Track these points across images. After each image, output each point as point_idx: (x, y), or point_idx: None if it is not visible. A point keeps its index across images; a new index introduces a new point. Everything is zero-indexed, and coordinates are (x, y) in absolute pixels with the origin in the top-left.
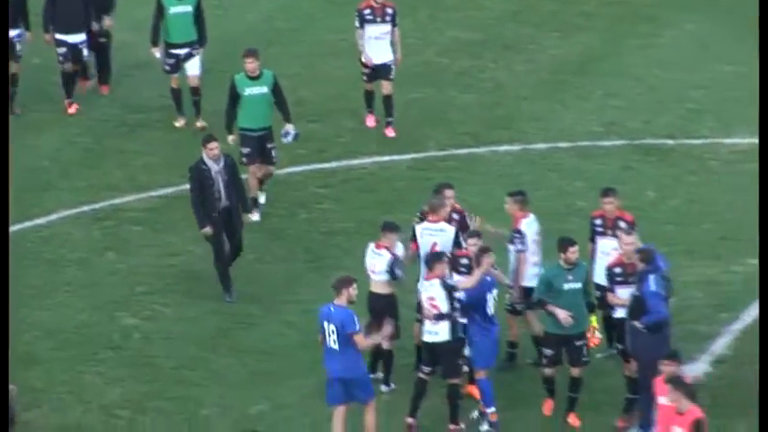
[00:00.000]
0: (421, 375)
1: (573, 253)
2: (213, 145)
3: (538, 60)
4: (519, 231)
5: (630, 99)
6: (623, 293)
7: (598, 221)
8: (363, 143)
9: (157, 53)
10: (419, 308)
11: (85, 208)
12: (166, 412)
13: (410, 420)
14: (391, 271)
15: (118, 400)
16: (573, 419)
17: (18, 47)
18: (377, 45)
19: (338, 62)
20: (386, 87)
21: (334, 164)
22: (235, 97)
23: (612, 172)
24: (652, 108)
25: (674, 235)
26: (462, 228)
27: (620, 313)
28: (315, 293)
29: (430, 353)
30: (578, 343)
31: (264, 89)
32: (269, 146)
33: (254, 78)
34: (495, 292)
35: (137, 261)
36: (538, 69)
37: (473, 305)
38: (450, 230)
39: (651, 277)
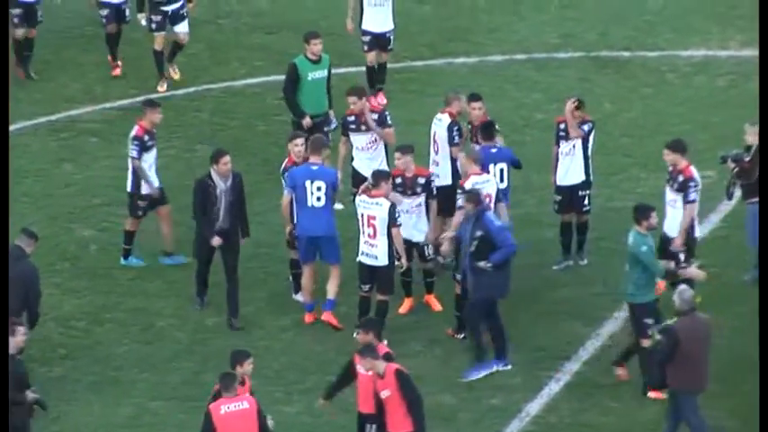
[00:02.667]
0: (362, 294)
1: (654, 218)
2: (226, 159)
3: None
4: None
5: (587, 11)
6: None
7: (562, 126)
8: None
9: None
10: None
11: (42, 119)
12: (123, 323)
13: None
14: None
15: (75, 312)
16: None
17: (39, 12)
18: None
19: None
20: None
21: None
22: (295, 81)
23: (569, 84)
24: (608, 20)
25: (631, 147)
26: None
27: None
28: (271, 205)
29: (368, 273)
30: None
31: (324, 73)
32: (325, 129)
33: (316, 62)
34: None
35: (93, 173)
36: None
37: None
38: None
39: (488, 214)
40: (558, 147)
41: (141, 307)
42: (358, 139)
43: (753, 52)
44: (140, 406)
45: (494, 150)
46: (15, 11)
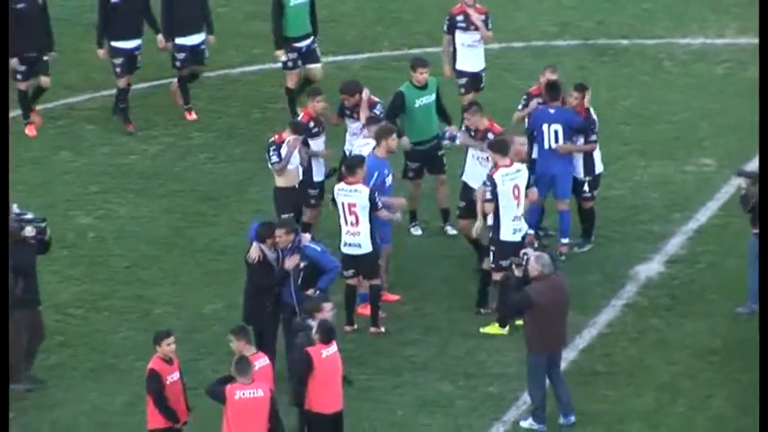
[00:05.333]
0: (347, 282)
1: None
2: (280, 232)
3: None
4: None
5: None
6: None
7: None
8: (319, 44)
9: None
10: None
11: (38, 107)
12: (120, 311)
13: (348, 328)
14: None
15: (72, 300)
16: None
17: (138, 59)
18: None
19: None
20: None
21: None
22: (398, 111)
23: (567, 72)
24: (606, 8)
25: (629, 135)
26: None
27: None
28: (267, 193)
29: (352, 261)
30: None
31: (432, 97)
32: (440, 153)
33: (423, 88)
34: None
35: (91, 160)
36: None
37: None
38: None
39: (309, 244)
40: None
41: (138, 294)
42: (352, 126)
43: (749, 40)
44: (137, 394)
45: (552, 111)
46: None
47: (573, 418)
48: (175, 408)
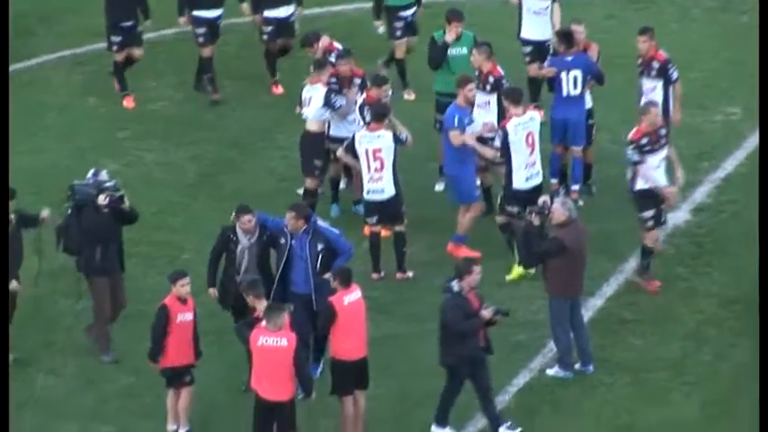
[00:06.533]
0: (372, 229)
1: None
2: (247, 218)
3: None
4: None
5: None
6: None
7: (639, 61)
8: None
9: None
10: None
11: (66, 53)
12: (148, 257)
13: (375, 275)
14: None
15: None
16: None
17: (220, 28)
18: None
19: None
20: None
21: (316, 10)
22: (438, 55)
23: (596, 21)
24: None
25: None
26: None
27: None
28: (295, 140)
29: (376, 207)
30: None
31: (464, 51)
32: None
33: (456, 39)
34: None
35: (118, 106)
36: None
37: None
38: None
39: (321, 224)
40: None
41: (166, 241)
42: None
43: None
44: None
45: (569, 58)
46: (200, 29)
47: (591, 368)
48: (181, 348)
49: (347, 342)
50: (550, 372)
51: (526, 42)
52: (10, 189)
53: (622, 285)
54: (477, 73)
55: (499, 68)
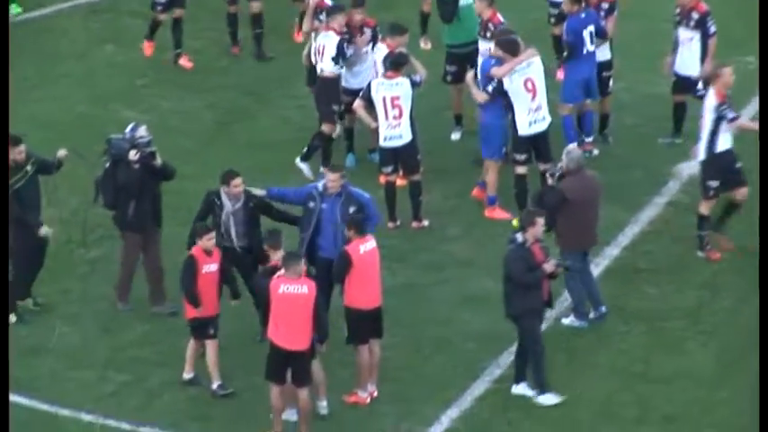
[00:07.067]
0: (388, 178)
1: None
2: (237, 182)
3: None
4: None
5: None
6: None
7: (677, 10)
8: None
9: None
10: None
11: (82, 0)
12: (166, 205)
13: (391, 224)
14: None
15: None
16: None
17: None
18: None
19: None
20: None
21: None
22: (450, 7)
23: None
24: None
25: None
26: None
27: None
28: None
29: (392, 155)
30: None
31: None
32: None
33: None
34: None
35: (136, 54)
36: None
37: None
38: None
39: (353, 189)
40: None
41: (182, 188)
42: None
43: None
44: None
45: (583, 16)
46: None
47: (604, 309)
48: (206, 299)
49: (362, 291)
50: (566, 321)
51: (553, 5)
52: (13, 136)
53: (638, 235)
54: (479, 20)
55: (499, 16)
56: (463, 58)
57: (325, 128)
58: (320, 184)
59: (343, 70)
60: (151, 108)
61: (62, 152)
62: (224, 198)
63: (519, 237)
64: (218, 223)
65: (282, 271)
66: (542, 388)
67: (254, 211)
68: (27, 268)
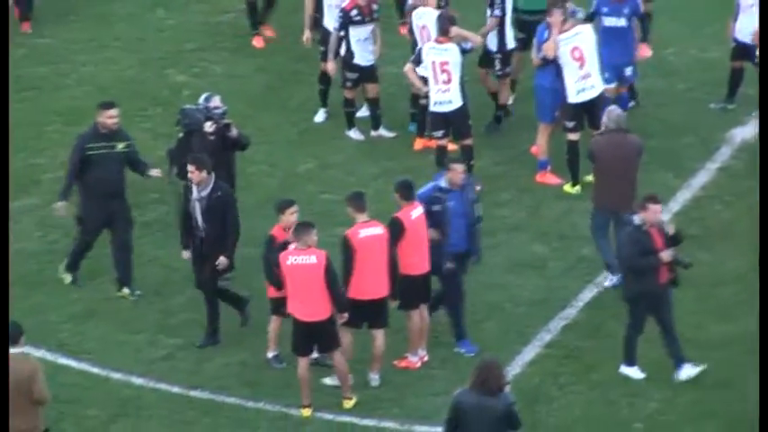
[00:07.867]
0: (439, 143)
1: None
2: (192, 168)
3: None
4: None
5: None
6: None
7: None
8: None
9: None
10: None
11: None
12: None
13: None
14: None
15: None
16: None
17: None
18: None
19: None
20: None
21: None
22: None
23: None
24: None
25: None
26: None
27: None
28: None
29: (443, 120)
30: None
31: None
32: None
33: None
34: None
35: (186, 18)
36: None
37: None
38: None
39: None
40: None
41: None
42: (360, 32)
43: None
44: None
45: None
46: None
47: (615, 279)
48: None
49: (413, 257)
50: (607, 283)
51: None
52: (105, 101)
53: (689, 201)
54: None
55: None
56: (533, 25)
57: (346, 93)
58: (442, 182)
59: (358, 47)
60: (202, 72)
61: (156, 171)
62: (193, 186)
63: (636, 218)
64: (190, 214)
65: (292, 244)
66: (630, 360)
67: (217, 206)
68: (92, 236)
